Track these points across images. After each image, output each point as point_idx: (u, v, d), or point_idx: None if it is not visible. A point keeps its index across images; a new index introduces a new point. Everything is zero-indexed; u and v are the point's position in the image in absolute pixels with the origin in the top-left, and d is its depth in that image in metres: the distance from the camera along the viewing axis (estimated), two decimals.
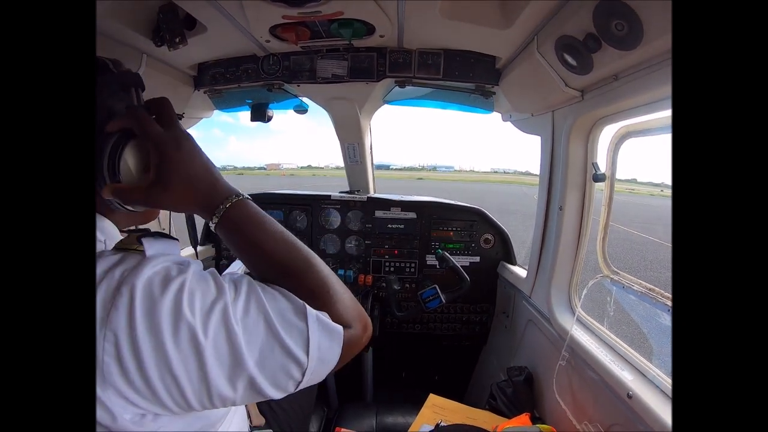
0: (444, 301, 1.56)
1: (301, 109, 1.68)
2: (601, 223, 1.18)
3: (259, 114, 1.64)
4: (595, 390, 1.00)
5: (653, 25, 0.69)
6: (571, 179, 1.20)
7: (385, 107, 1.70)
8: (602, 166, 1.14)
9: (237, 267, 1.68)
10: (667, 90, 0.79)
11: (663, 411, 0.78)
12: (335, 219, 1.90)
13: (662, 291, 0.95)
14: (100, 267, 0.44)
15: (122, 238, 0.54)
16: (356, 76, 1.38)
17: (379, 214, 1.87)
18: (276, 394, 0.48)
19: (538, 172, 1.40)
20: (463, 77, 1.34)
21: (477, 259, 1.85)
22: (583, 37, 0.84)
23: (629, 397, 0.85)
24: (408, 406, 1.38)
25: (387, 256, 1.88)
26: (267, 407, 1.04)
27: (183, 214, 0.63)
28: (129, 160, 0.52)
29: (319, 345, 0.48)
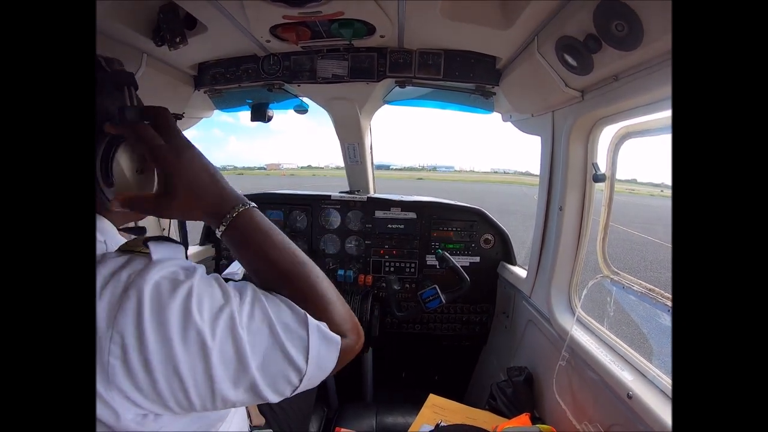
0: (444, 301, 1.56)
1: (302, 109, 1.68)
2: (601, 223, 1.18)
3: (260, 114, 1.64)
4: (595, 390, 1.00)
5: (653, 25, 0.69)
6: (571, 179, 1.20)
7: (386, 107, 1.71)
8: (602, 167, 1.14)
9: (237, 267, 1.68)
10: (667, 90, 0.79)
11: (663, 411, 0.78)
12: (335, 219, 1.90)
13: (662, 291, 0.95)
14: (106, 269, 0.44)
15: (124, 239, 0.54)
16: (356, 76, 1.38)
17: (379, 214, 1.87)
18: (273, 398, 0.50)
19: (538, 173, 1.40)
20: (464, 77, 1.34)
21: (477, 259, 1.85)
22: (583, 38, 0.84)
23: (629, 397, 0.85)
24: (408, 406, 1.38)
25: (387, 256, 1.88)
26: (267, 407, 1.04)
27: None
28: (122, 162, 0.52)
29: (318, 353, 0.50)
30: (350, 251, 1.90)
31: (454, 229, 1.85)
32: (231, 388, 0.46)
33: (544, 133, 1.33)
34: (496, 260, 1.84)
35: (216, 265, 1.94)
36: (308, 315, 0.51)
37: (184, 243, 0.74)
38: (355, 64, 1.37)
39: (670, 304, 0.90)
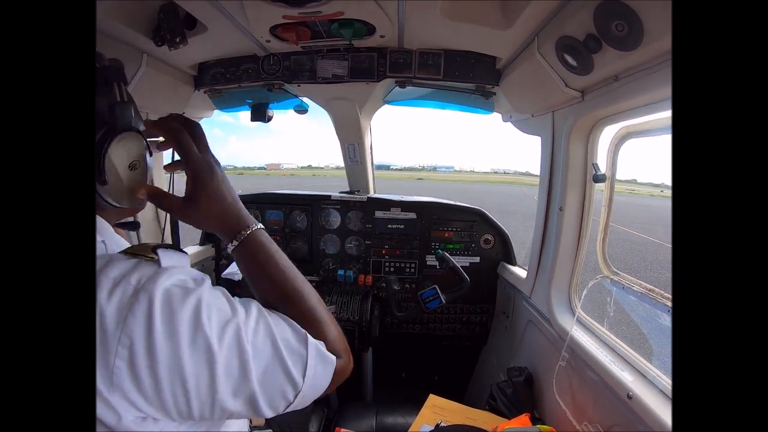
0: (444, 301, 1.56)
1: (302, 109, 1.68)
2: (601, 223, 1.18)
3: (260, 114, 1.64)
4: (595, 391, 1.00)
5: (653, 26, 0.69)
6: (571, 180, 1.20)
7: (386, 107, 1.71)
8: (602, 167, 1.14)
9: (236, 267, 1.68)
10: (667, 91, 0.79)
11: (663, 412, 0.78)
12: (335, 219, 1.90)
13: (662, 291, 0.95)
14: (115, 271, 0.44)
15: (121, 236, 0.55)
16: (356, 76, 1.38)
17: (379, 214, 1.87)
18: (268, 412, 0.52)
19: (538, 173, 1.40)
20: (464, 77, 1.34)
21: (477, 259, 1.84)
22: (583, 38, 0.84)
23: (629, 397, 0.85)
24: (408, 406, 1.38)
25: (387, 257, 1.88)
26: None
27: (168, 216, 0.65)
28: (114, 158, 0.52)
29: (315, 371, 0.53)
30: (350, 251, 1.90)
31: (454, 229, 1.85)
32: (230, 398, 0.47)
33: (544, 133, 1.33)
34: (496, 260, 1.84)
35: (216, 265, 1.94)
36: (308, 334, 0.54)
37: (176, 245, 0.76)
38: (355, 64, 1.37)
39: (669, 304, 0.90)
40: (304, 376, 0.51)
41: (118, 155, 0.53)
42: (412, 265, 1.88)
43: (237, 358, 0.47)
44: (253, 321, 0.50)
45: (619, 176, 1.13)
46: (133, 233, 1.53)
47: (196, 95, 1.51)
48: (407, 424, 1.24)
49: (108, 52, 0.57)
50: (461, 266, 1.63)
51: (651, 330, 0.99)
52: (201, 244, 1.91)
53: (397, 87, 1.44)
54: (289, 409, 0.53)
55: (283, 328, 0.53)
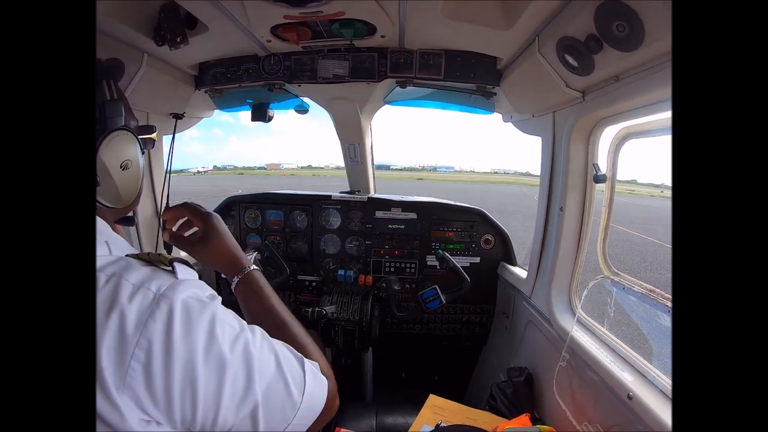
0: (444, 301, 1.56)
1: (302, 109, 1.68)
2: (602, 224, 1.18)
3: (260, 114, 1.64)
4: (596, 391, 1.00)
5: (654, 26, 0.69)
6: (571, 180, 1.20)
7: (386, 107, 1.71)
8: (603, 167, 1.14)
9: None
10: (667, 91, 0.79)
11: (663, 412, 0.78)
12: (335, 219, 1.90)
13: (662, 292, 0.95)
14: (135, 276, 0.46)
15: (119, 235, 0.57)
16: (357, 76, 1.38)
17: (379, 214, 1.87)
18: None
19: (538, 173, 1.40)
20: (464, 78, 1.34)
21: (477, 259, 1.84)
22: (584, 38, 0.84)
23: (629, 398, 0.85)
24: (408, 406, 1.38)
25: (387, 257, 1.88)
26: None
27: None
28: (105, 159, 0.52)
29: (312, 391, 0.56)
30: (350, 251, 1.90)
31: (455, 229, 1.85)
32: (234, 410, 0.49)
33: (544, 133, 1.33)
34: (496, 261, 1.84)
35: (217, 277, 1.94)
36: (304, 357, 0.58)
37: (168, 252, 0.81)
38: (355, 64, 1.37)
39: (670, 304, 0.90)
40: (302, 395, 0.55)
41: (109, 155, 0.52)
42: (413, 266, 1.88)
43: (244, 370, 0.50)
44: (259, 338, 0.54)
45: (619, 177, 1.13)
46: (132, 234, 1.53)
47: (197, 95, 1.51)
48: (407, 424, 1.24)
49: (108, 52, 0.57)
50: (461, 266, 1.63)
51: (651, 330, 0.99)
52: None
53: (398, 87, 1.44)
54: (288, 429, 0.55)
55: (282, 348, 0.57)
